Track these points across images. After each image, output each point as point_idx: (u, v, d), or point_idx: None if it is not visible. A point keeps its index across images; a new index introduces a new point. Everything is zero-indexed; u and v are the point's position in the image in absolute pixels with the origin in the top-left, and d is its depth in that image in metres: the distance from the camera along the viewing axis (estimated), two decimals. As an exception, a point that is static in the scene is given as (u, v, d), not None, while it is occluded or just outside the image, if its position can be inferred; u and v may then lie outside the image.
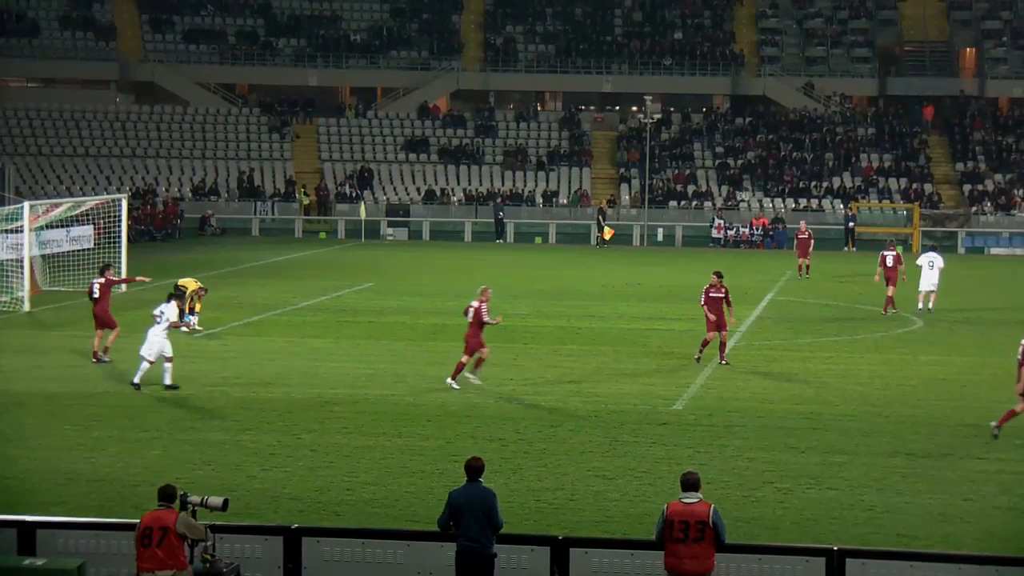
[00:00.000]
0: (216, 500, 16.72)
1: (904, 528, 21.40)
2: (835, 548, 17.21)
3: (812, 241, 60.02)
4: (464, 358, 32.10)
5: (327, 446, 26.30)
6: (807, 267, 59.09)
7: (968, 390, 32.93)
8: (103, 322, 35.57)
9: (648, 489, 23.45)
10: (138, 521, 16.45)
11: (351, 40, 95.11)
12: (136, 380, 31.52)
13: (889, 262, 47.11)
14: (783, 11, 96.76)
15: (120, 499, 22.39)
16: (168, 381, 31.42)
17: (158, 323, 31.55)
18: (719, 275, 35.60)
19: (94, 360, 35.06)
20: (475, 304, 31.87)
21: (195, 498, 16.67)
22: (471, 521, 16.71)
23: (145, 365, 31.54)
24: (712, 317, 35.19)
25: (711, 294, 35.31)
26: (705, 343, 35.65)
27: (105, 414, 29.06)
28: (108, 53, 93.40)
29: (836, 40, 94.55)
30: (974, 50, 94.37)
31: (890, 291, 46.81)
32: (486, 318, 31.79)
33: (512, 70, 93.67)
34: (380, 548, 17.62)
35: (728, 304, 35.33)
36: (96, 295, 35.70)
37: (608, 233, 76.42)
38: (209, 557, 16.67)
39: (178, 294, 33.73)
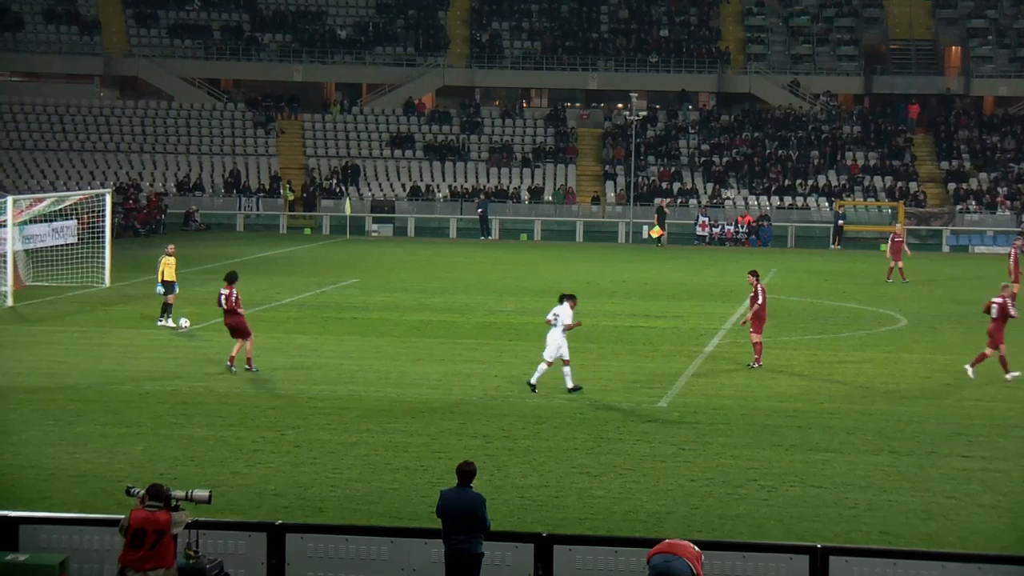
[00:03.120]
0: (201, 493, 16.68)
1: (888, 526, 21.43)
2: (819, 546, 17.20)
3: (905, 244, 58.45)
4: (988, 351, 33.70)
5: (311, 442, 26.27)
6: (900, 270, 56.91)
7: (952, 389, 32.99)
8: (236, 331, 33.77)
9: (632, 487, 23.45)
10: (123, 517, 16.37)
11: (336, 36, 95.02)
12: (532, 381, 31.37)
13: (1014, 257, 47.94)
14: (769, 9, 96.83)
15: (103, 495, 22.33)
16: (570, 385, 31.24)
17: (554, 325, 31.24)
18: (753, 274, 35.84)
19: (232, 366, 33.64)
20: (997, 300, 33.68)
21: (179, 492, 16.62)
22: (459, 524, 16.75)
23: (543, 367, 31.32)
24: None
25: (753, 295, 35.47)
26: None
27: (88, 409, 28.99)
28: (92, 47, 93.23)
29: (822, 38, 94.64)
30: (959, 49, 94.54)
31: (1015, 288, 47.32)
32: (1012, 311, 33.75)
33: (498, 67, 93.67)
34: (364, 544, 17.60)
35: (750, 305, 35.26)
36: (224, 305, 33.82)
37: (656, 232, 76.27)
38: (193, 553, 16.64)
39: (570, 296, 31.85)
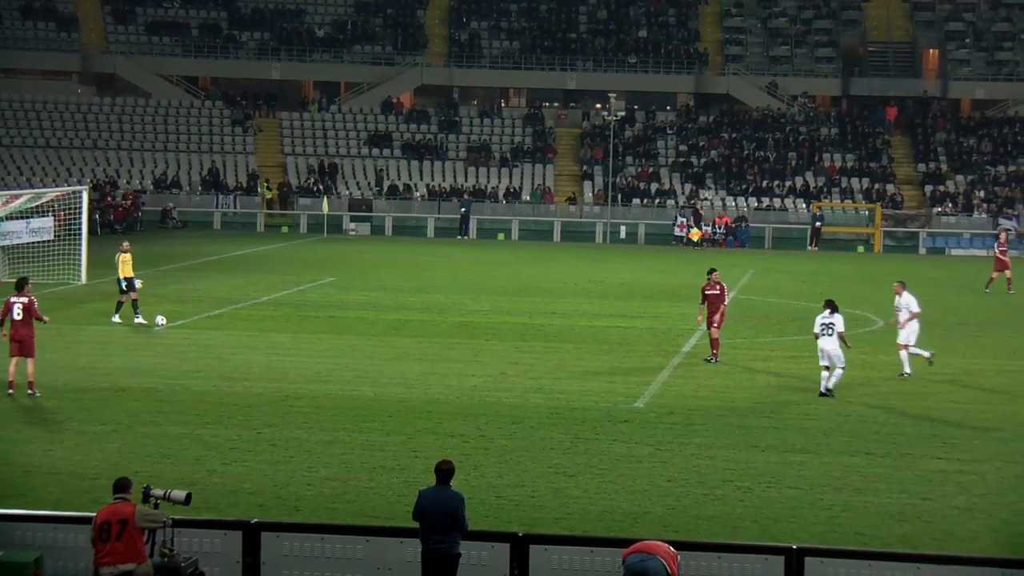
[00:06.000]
0: (179, 493, 16.69)
1: (863, 527, 21.47)
2: (794, 547, 17.24)
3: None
4: None
5: (287, 441, 26.23)
6: (1009, 280, 54.91)
7: (927, 390, 33.08)
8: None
9: (608, 487, 23.46)
10: (94, 515, 16.36)
11: (314, 34, 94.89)
12: (829, 386, 31.35)
13: None
14: (748, 10, 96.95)
15: (79, 492, 22.27)
16: (830, 385, 31.32)
17: (828, 334, 31.34)
18: (714, 271, 36.38)
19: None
20: None
21: (158, 491, 16.63)
22: (437, 523, 16.72)
23: (838, 373, 31.39)
24: (709, 315, 35.88)
25: (707, 292, 35.72)
26: (713, 341, 36.16)
27: (64, 407, 28.90)
28: (70, 44, 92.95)
29: (800, 40, 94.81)
30: (937, 51, 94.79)
31: None
32: None
33: (476, 66, 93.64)
34: (339, 543, 17.58)
35: (723, 301, 35.72)
36: (18, 316, 29.92)
37: (695, 234, 76.39)
38: (168, 551, 16.61)
39: (832, 303, 32.07)
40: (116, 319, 40.67)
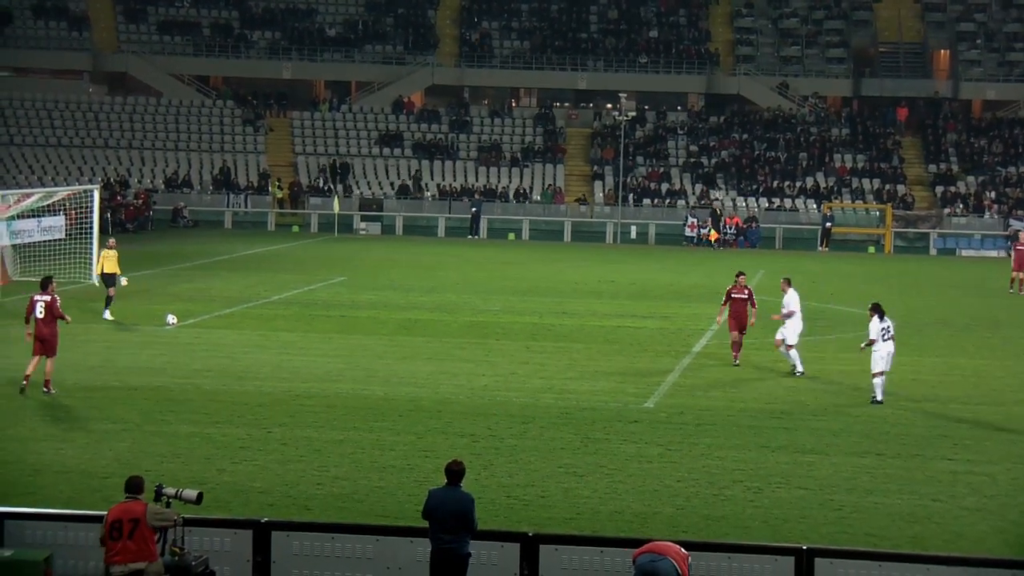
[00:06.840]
0: (190, 493, 16.71)
1: (873, 528, 21.46)
2: (804, 547, 17.22)
3: None
4: None
5: (298, 440, 26.26)
6: (1021, 281, 54.31)
7: (937, 391, 33.04)
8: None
9: (618, 487, 23.47)
10: (105, 514, 16.38)
11: (326, 33, 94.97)
12: (879, 398, 31.00)
13: None
14: (758, 10, 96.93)
15: (89, 491, 22.31)
16: (880, 398, 31.10)
17: (885, 340, 31.09)
18: (741, 275, 36.38)
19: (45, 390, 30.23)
20: None
21: (169, 490, 16.66)
22: (446, 523, 16.72)
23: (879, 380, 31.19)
24: (734, 318, 35.73)
25: (734, 295, 35.61)
26: (734, 344, 36.01)
27: (74, 405, 28.96)
28: (81, 43, 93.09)
29: (811, 40, 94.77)
30: (948, 52, 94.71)
31: None
32: None
33: (487, 66, 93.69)
34: (350, 542, 17.59)
35: (752, 305, 35.63)
36: (41, 315, 30.10)
37: (714, 236, 76.34)
38: (178, 550, 16.63)
39: (881, 308, 31.84)
40: (107, 315, 40.90)
